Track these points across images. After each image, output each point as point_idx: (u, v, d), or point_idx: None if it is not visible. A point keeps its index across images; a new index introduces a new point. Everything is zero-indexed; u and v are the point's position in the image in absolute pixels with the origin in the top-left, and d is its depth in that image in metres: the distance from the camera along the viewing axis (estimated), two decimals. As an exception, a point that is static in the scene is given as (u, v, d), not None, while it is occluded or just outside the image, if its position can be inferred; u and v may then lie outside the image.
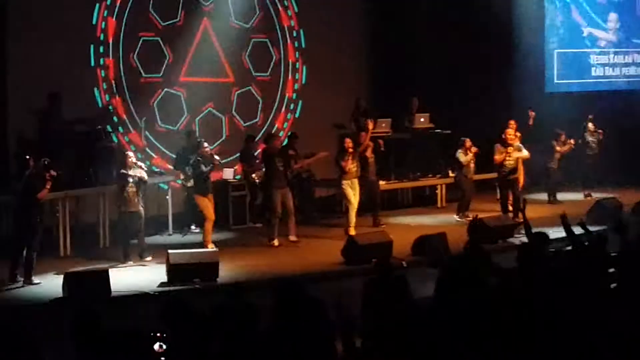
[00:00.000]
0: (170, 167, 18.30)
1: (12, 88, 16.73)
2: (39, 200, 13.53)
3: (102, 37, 18.26)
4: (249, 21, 20.36)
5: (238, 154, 18.90)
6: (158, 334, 6.25)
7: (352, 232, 16.18)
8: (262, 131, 20.22)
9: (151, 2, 18.85)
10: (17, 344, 6.50)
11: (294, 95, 21.24)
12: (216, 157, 16.15)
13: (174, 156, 18.04)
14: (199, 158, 15.62)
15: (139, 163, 15.29)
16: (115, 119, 18.38)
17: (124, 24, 18.45)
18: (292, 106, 21.21)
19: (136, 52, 18.66)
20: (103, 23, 18.26)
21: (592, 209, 17.59)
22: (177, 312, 6.43)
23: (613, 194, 18.80)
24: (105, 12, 18.29)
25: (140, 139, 18.47)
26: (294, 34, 21.17)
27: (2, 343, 6.41)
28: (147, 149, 18.67)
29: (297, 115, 21.17)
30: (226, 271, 13.71)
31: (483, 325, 6.95)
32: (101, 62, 18.25)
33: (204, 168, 15.49)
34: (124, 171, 14.70)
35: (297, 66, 21.27)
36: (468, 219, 17.41)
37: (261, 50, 20.61)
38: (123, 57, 18.48)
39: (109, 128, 17.82)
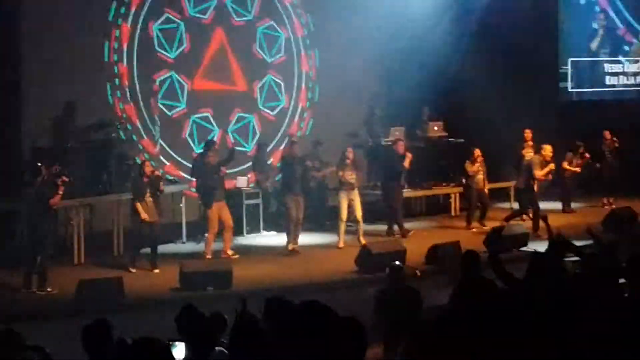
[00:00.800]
0: (184, 175, 18.35)
1: (26, 97, 16.78)
2: (51, 207, 13.56)
3: (115, 45, 18.32)
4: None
5: (250, 163, 18.95)
6: (176, 342, 6.23)
7: (342, 243, 16.36)
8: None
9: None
10: (30, 351, 6.51)
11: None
12: (222, 168, 16.16)
13: (189, 165, 18.06)
14: (207, 168, 15.56)
15: (157, 172, 15.37)
16: (129, 127, 18.42)
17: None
18: (301, 124, 21.19)
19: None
20: (117, 28, 18.30)
21: (606, 218, 17.53)
22: (191, 319, 6.42)
23: (629, 203, 18.68)
24: (119, 20, 18.34)
25: (154, 146, 18.50)
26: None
27: (16, 351, 6.42)
28: (162, 157, 18.70)
29: (307, 132, 21.08)
30: (240, 279, 13.70)
31: (497, 333, 6.92)
32: (115, 70, 18.30)
33: (212, 180, 15.45)
34: (143, 180, 14.79)
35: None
36: (485, 228, 17.45)
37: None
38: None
39: (122, 135, 17.85)
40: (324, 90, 21.14)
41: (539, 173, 17.40)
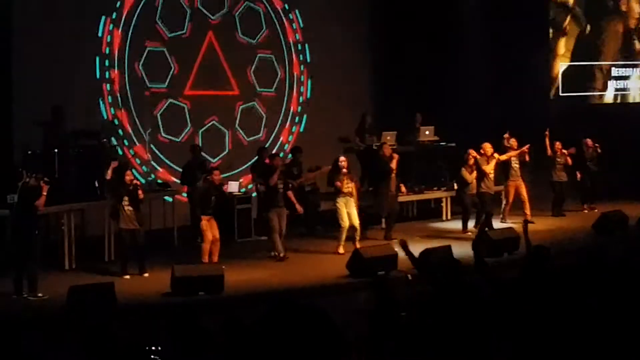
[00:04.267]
0: (175, 179, 18.37)
1: (18, 101, 16.74)
2: (36, 210, 13.49)
3: (107, 51, 18.32)
4: (255, 37, 20.44)
5: (247, 165, 18.97)
6: (153, 347, 6.24)
7: (342, 249, 16.17)
8: (266, 146, 20.36)
9: (158, 12, 18.95)
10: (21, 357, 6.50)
11: (299, 109, 21.32)
12: (225, 186, 16.19)
13: (179, 170, 18.08)
14: (210, 187, 15.48)
15: (136, 182, 15.27)
16: (120, 132, 18.42)
17: (130, 32, 18.52)
18: (297, 119, 21.27)
19: (141, 62, 18.72)
20: (109, 37, 18.31)
21: (597, 222, 17.59)
22: (185, 326, 6.42)
23: (618, 207, 18.72)
24: (111, 25, 18.33)
25: (145, 151, 18.50)
26: (299, 47, 21.26)
27: (6, 356, 6.41)
28: (152, 162, 18.69)
29: (301, 130, 21.23)
30: (231, 284, 13.69)
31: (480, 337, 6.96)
32: (106, 75, 18.31)
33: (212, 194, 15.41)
34: (121, 187, 14.73)
35: (302, 79, 21.35)
36: (468, 234, 17.62)
37: (266, 66, 20.68)
38: (128, 66, 18.53)
39: (113, 141, 17.85)
40: (315, 92, 21.24)
41: (488, 168, 17.78)
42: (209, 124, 19.82)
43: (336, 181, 16.36)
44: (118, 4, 18.41)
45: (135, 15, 18.59)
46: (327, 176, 16.83)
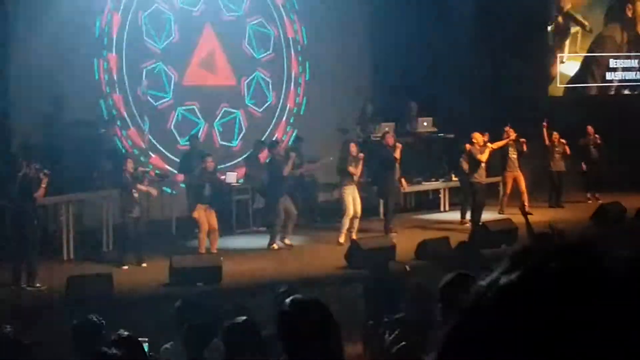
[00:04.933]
0: (171, 169, 18.36)
1: (15, 93, 16.74)
2: (35, 201, 13.51)
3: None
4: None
5: (244, 157, 18.99)
6: (139, 339, 6.26)
7: (343, 239, 16.17)
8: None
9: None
10: (18, 348, 6.52)
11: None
12: (222, 177, 16.18)
13: (177, 160, 18.08)
14: (204, 174, 15.50)
15: (141, 169, 15.30)
16: (119, 122, 18.43)
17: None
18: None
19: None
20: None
21: (595, 213, 17.60)
22: (191, 314, 6.43)
23: (617, 198, 18.74)
24: (106, 30, 18.33)
25: (143, 141, 18.50)
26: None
27: (7, 347, 6.43)
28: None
29: (301, 112, 21.23)
30: (229, 275, 13.71)
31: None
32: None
33: (206, 185, 15.42)
34: (129, 177, 14.75)
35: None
36: (467, 225, 17.61)
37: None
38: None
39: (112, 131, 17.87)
40: (314, 82, 21.22)
41: (483, 157, 17.61)
42: (221, 112, 19.86)
43: (349, 166, 16.31)
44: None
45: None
46: (336, 164, 16.74)
